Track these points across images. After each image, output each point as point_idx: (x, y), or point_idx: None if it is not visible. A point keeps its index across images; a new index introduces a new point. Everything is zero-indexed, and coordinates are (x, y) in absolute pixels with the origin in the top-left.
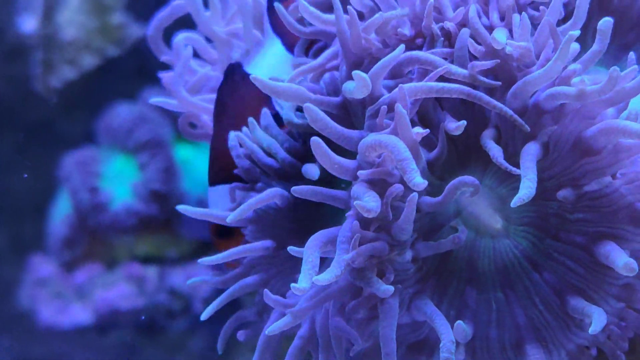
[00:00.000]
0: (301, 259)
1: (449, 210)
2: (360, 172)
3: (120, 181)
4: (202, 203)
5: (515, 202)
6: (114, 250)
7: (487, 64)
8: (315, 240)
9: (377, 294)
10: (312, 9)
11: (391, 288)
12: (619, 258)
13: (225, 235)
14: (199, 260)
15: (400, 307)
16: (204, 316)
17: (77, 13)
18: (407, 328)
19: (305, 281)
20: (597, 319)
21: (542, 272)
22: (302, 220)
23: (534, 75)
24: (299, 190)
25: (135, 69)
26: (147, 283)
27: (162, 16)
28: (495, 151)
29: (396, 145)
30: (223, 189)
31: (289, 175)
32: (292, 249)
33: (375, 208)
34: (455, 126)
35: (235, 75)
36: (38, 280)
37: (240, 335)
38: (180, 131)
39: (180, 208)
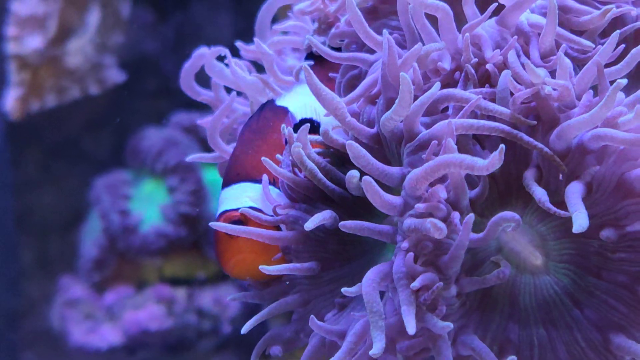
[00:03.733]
0: (343, 280)
1: (491, 246)
2: (417, 205)
3: (149, 204)
4: None
5: (576, 228)
6: (143, 271)
7: (528, 92)
8: (371, 282)
9: (434, 330)
10: (365, 23)
11: (449, 324)
12: None
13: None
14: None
15: None
16: (244, 330)
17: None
18: None
19: (379, 341)
20: None
21: (584, 309)
22: (346, 243)
23: (579, 120)
24: (347, 225)
25: (160, 90)
26: (176, 304)
27: (188, 67)
28: (541, 195)
29: (448, 158)
30: (238, 187)
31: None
32: (346, 291)
33: (445, 228)
34: (487, 162)
35: (265, 107)
36: (69, 301)
37: (274, 350)
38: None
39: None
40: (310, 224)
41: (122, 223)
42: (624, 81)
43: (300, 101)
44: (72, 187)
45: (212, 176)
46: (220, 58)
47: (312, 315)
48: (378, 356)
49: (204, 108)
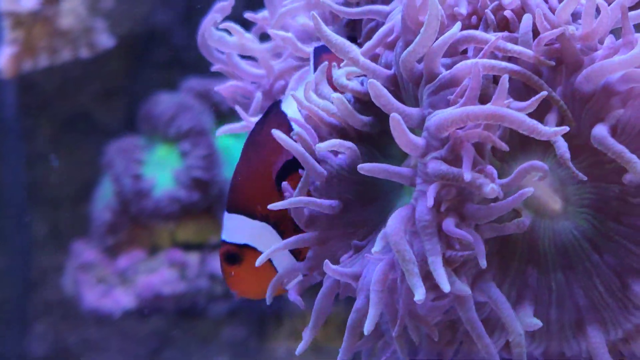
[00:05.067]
0: (361, 223)
1: (510, 192)
2: (438, 153)
3: (162, 169)
4: None
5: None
6: (156, 236)
7: (554, 32)
8: (398, 230)
9: (455, 291)
10: None
11: (467, 288)
12: None
13: (233, 261)
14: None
15: None
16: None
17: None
18: None
19: (420, 286)
20: None
21: (603, 254)
22: (366, 184)
23: (613, 61)
24: (366, 167)
25: (171, 61)
26: (188, 268)
27: (206, 22)
28: (562, 149)
29: (506, 111)
30: (239, 219)
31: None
32: (375, 251)
33: (498, 188)
34: (525, 105)
35: (272, 111)
36: (82, 265)
37: (291, 295)
38: None
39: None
40: (324, 145)
41: (135, 187)
42: None
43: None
44: (84, 158)
45: (224, 141)
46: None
47: (326, 260)
48: (422, 301)
49: (216, 75)
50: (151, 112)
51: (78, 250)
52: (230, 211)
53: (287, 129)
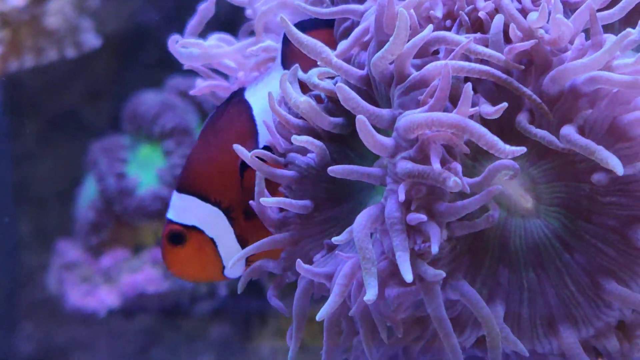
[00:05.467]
0: (334, 222)
1: (481, 190)
2: (406, 153)
3: (146, 168)
4: None
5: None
6: (139, 235)
7: (525, 44)
8: (362, 227)
9: (426, 278)
10: None
11: (441, 273)
12: None
13: (177, 241)
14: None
15: None
16: (230, 266)
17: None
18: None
19: (373, 286)
20: None
21: (574, 253)
22: (337, 183)
23: (576, 64)
24: (336, 170)
25: (159, 61)
26: None
27: (193, 24)
28: (545, 134)
29: (468, 123)
30: (189, 200)
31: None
32: (337, 240)
33: (460, 182)
34: (492, 110)
35: (234, 98)
36: (65, 265)
37: (273, 301)
38: None
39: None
40: (297, 141)
41: (119, 186)
42: (635, 33)
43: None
44: (70, 157)
45: None
46: None
47: (298, 260)
48: (372, 302)
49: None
50: (135, 111)
51: (62, 250)
52: (180, 191)
53: (248, 118)
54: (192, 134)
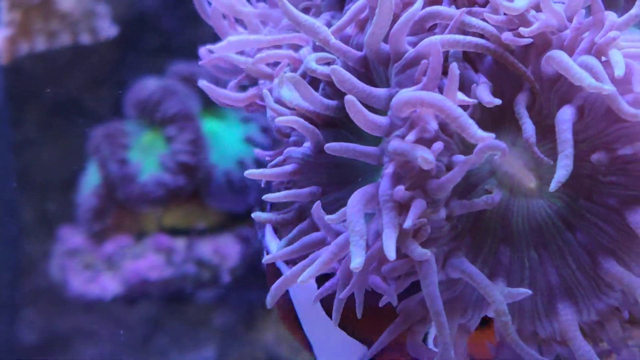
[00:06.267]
0: (343, 204)
1: (484, 170)
2: (400, 131)
3: (148, 154)
4: (229, 175)
5: (553, 185)
6: (142, 221)
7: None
8: (356, 204)
9: (413, 256)
10: None
11: (427, 252)
12: None
13: None
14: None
15: (436, 264)
16: (265, 261)
17: None
18: (442, 285)
19: (359, 255)
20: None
21: (576, 232)
22: (340, 167)
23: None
24: (331, 147)
25: (159, 46)
26: (175, 254)
27: None
28: (528, 130)
29: (445, 104)
30: None
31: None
32: (329, 218)
33: (432, 159)
34: (487, 100)
35: None
36: (68, 251)
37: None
38: None
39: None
40: (282, 122)
41: (121, 172)
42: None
43: None
44: (72, 144)
45: (211, 126)
46: None
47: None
48: (358, 269)
49: None
50: (137, 97)
51: (65, 236)
52: None
53: None
54: (194, 119)
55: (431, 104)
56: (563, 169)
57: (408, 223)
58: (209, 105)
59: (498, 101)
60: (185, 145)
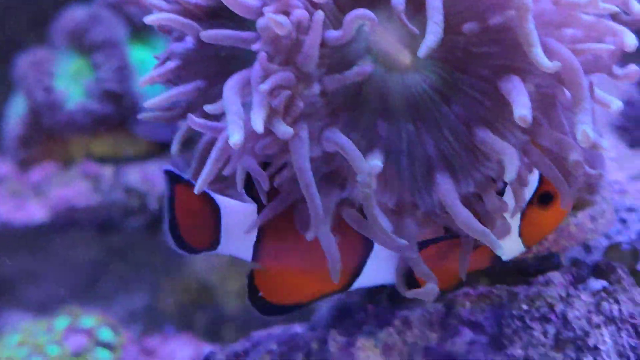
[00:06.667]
0: None
1: (359, 47)
2: (264, 8)
3: (74, 81)
4: None
5: (422, 51)
6: (69, 149)
7: None
8: (231, 87)
9: (277, 133)
10: None
11: (290, 130)
12: (517, 104)
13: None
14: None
15: (311, 140)
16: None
17: None
18: (319, 160)
19: (237, 132)
20: (509, 161)
21: (451, 104)
22: (225, 57)
23: None
24: (207, 35)
25: None
26: (102, 181)
27: None
28: (396, 1)
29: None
30: None
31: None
32: (207, 107)
33: (286, 23)
34: None
35: None
36: None
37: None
38: None
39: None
40: (159, 19)
41: (47, 99)
42: None
43: None
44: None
45: (139, 54)
46: None
47: (189, 114)
48: (237, 145)
49: None
50: (64, 25)
51: None
52: None
53: None
54: (120, 47)
55: None
56: (431, 34)
57: (265, 87)
58: (137, 33)
59: None
60: (111, 73)
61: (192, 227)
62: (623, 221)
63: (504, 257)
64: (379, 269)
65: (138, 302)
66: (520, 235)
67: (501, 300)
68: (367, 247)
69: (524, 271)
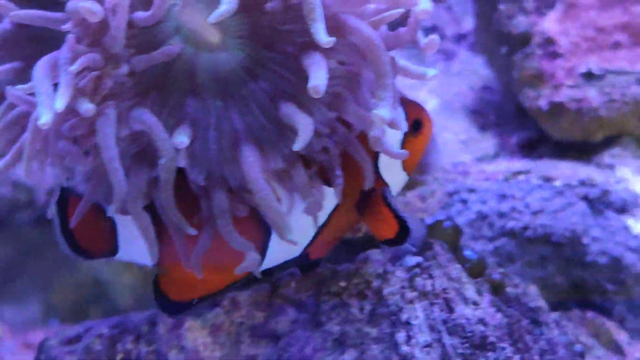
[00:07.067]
0: None
1: (169, 27)
2: None
3: None
4: None
5: (213, 16)
6: None
7: None
8: (41, 70)
9: (79, 111)
10: None
11: (91, 107)
12: (312, 76)
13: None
14: None
15: (119, 120)
16: None
17: None
18: (128, 140)
19: (46, 113)
20: (303, 132)
21: (259, 81)
22: (46, 38)
23: None
24: (17, 15)
25: None
26: None
27: None
28: None
29: None
30: None
31: None
32: (18, 88)
33: (99, 11)
34: None
35: None
36: None
37: None
38: None
39: None
40: None
41: None
42: None
43: None
44: None
45: None
46: None
47: (7, 87)
48: (47, 126)
49: None
50: None
51: None
52: None
53: None
54: None
55: None
56: (225, 4)
57: (72, 68)
58: None
59: None
60: None
61: (88, 237)
62: (464, 201)
63: (394, 192)
64: (280, 248)
65: (30, 298)
66: (404, 167)
67: (325, 278)
68: (266, 231)
69: (351, 250)
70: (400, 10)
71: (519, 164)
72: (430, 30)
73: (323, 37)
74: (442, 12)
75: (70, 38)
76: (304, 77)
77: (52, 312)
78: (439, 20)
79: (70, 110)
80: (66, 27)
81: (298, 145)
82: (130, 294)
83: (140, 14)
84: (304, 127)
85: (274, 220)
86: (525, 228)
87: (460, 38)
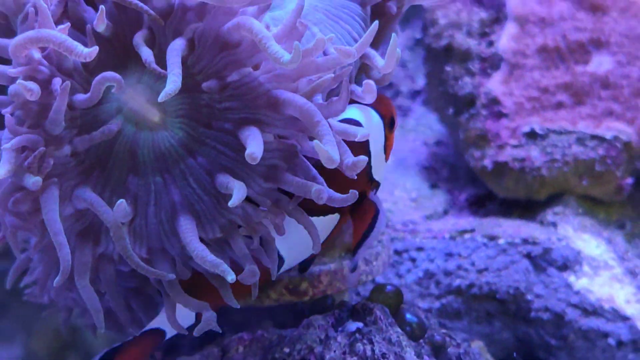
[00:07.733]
0: None
1: (111, 108)
2: (9, 70)
3: None
4: None
5: (162, 96)
6: None
7: None
8: None
9: (27, 187)
10: None
11: (39, 180)
12: (249, 146)
13: None
14: None
15: (63, 199)
16: None
17: None
18: (72, 218)
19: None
20: (237, 192)
21: (197, 157)
22: None
23: None
24: None
25: None
26: None
27: None
28: (146, 54)
29: (46, 34)
30: None
31: None
32: None
33: (37, 90)
34: (99, 24)
35: None
36: None
37: None
38: None
39: None
40: None
41: None
42: None
43: None
44: None
45: None
46: None
47: None
48: None
49: None
50: None
51: None
52: None
53: None
54: None
55: (34, 40)
56: (171, 83)
57: (7, 146)
58: None
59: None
60: None
61: None
62: (413, 260)
63: (378, 179)
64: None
65: (7, 348)
66: (386, 158)
67: (271, 343)
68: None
69: (298, 314)
70: (330, 75)
71: (465, 222)
72: (386, 87)
73: (285, 56)
74: (397, 69)
75: (8, 119)
76: (240, 151)
77: (32, 358)
78: (394, 77)
79: (16, 187)
80: (6, 110)
81: (232, 202)
82: (105, 341)
83: (80, 97)
84: (238, 188)
85: (215, 269)
86: (471, 285)
87: (415, 94)
